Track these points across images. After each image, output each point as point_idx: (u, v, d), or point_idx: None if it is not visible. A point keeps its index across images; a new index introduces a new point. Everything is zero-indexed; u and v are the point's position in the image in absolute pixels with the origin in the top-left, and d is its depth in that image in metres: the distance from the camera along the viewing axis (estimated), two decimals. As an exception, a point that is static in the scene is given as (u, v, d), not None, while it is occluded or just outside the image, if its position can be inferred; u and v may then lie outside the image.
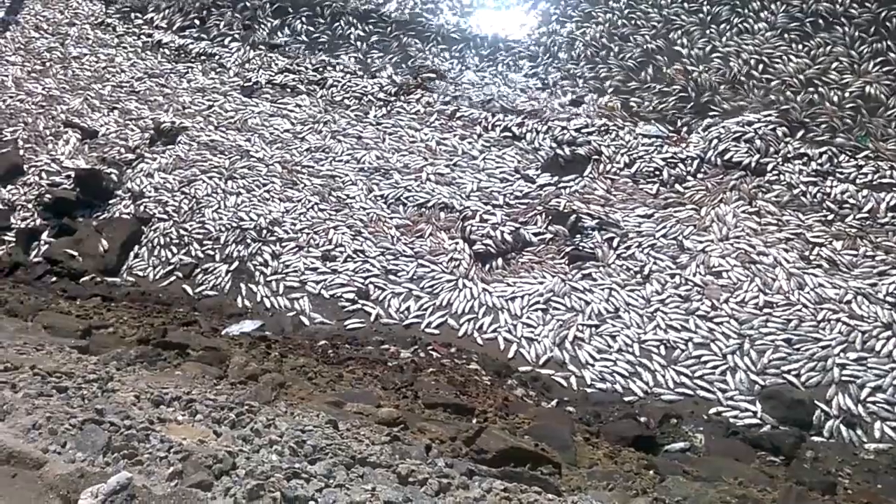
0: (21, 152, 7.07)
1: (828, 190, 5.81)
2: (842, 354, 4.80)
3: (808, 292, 5.15)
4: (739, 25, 7.09)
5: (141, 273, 5.97)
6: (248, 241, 5.99)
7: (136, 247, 6.14)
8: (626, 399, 4.74)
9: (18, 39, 8.51)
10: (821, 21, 6.93)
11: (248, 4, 8.33)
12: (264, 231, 6.03)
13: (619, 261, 5.55)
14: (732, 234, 5.58)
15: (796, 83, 6.57)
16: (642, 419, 4.49)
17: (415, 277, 5.61)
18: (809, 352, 4.83)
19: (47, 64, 8.12)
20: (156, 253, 6.06)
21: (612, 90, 6.88)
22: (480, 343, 5.17)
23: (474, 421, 3.88)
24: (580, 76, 7.06)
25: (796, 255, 5.39)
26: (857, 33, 6.78)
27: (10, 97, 7.73)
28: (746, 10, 7.15)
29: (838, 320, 4.97)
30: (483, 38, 7.63)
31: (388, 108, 7.07)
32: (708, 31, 7.11)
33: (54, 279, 5.83)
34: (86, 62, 8.08)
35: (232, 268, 5.86)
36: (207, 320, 5.27)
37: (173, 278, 5.90)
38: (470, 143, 6.63)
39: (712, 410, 4.64)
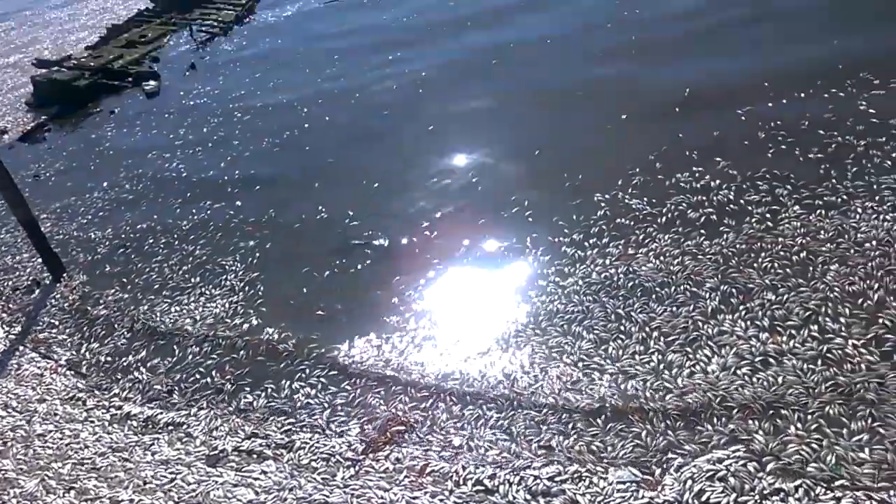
0: (-38, 548, 6.63)
1: (814, 529, 5.59)
2: None
3: None
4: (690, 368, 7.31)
5: None
6: None
7: None
8: None
9: (-16, 421, 8.50)
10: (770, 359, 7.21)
11: (208, 382, 8.43)
12: None
13: None
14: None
15: (757, 410, 6.63)
16: None
17: None
18: None
19: (9, 444, 8.01)
20: None
21: (576, 435, 6.88)
22: None
23: None
24: (544, 423, 7.09)
25: None
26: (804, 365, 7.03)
27: (-38, 485, 7.47)
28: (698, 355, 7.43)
29: None
30: (450, 391, 7.64)
31: (356, 468, 6.94)
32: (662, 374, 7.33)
33: None
34: (49, 439, 8.00)
35: None
36: None
37: None
38: (441, 500, 6.40)
39: None
